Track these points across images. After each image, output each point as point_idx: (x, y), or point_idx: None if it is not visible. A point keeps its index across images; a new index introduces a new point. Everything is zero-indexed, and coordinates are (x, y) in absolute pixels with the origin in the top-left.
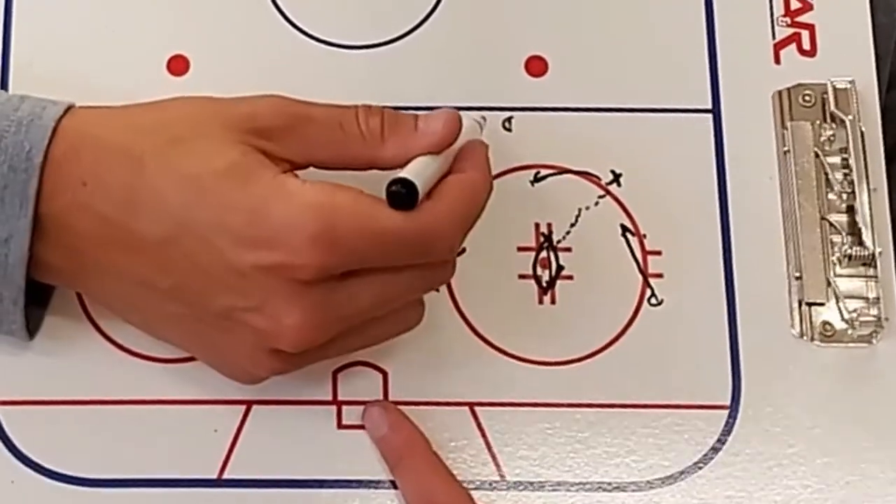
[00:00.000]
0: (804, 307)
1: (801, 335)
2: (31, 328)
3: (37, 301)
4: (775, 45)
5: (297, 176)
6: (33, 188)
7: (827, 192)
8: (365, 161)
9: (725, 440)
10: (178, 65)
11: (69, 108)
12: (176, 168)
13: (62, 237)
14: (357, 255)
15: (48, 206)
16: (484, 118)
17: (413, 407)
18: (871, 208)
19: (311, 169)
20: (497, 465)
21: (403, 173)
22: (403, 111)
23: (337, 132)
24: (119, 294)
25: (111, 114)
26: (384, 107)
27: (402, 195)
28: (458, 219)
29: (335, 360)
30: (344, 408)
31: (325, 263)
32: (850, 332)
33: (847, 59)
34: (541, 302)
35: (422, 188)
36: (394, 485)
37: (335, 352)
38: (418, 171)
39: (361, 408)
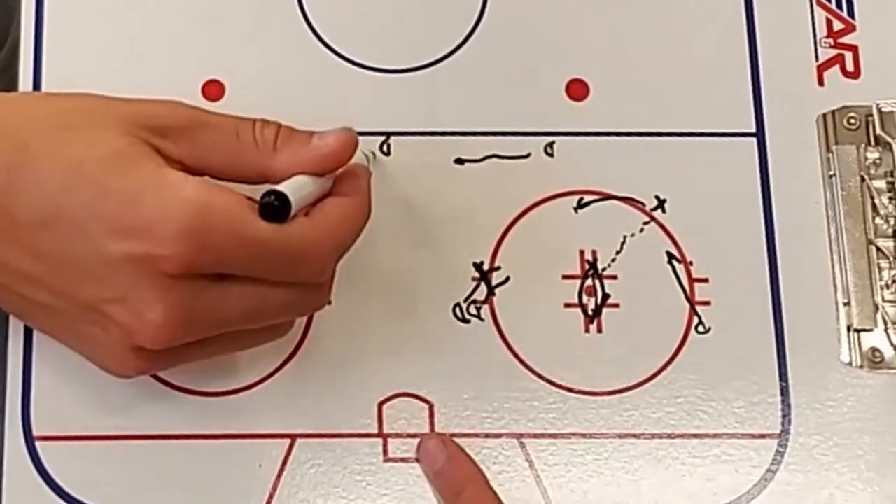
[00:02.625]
0: (852, 333)
1: (850, 362)
2: None
3: None
4: (818, 67)
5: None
6: None
7: (874, 217)
8: (257, 170)
9: (776, 469)
10: (213, 90)
11: None
12: (60, 152)
13: None
14: (224, 258)
15: None
16: (374, 153)
17: (460, 439)
18: None
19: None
20: (547, 497)
21: (279, 186)
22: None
23: (231, 138)
24: None
25: (4, 99)
26: (423, 132)
27: (274, 207)
28: (332, 240)
29: (381, 392)
30: (390, 440)
31: (192, 259)
32: None
33: (891, 79)
34: (587, 331)
35: (296, 203)
36: None
37: (198, 356)
38: (295, 187)
39: (407, 440)
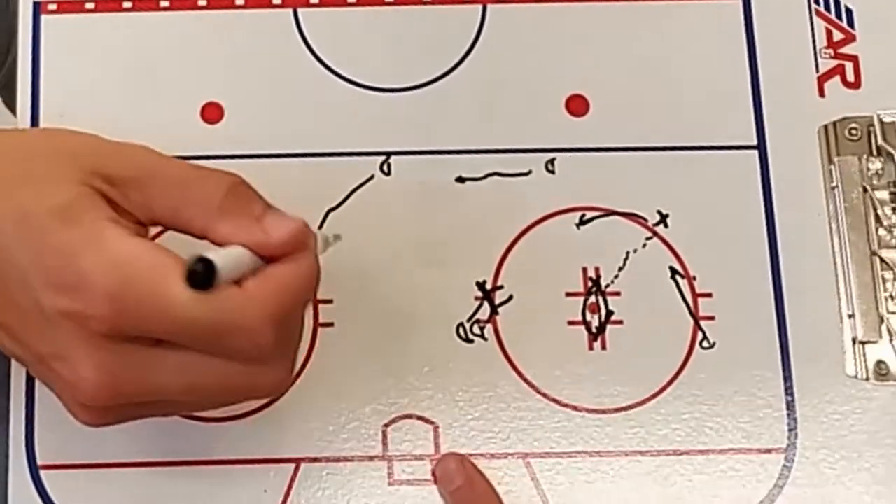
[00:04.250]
0: (858, 346)
1: (856, 375)
2: None
3: None
4: (819, 78)
5: (126, 226)
6: None
7: (877, 228)
8: (198, 229)
9: (784, 484)
10: (212, 112)
11: None
12: (10, 201)
13: None
14: (146, 326)
15: None
16: (337, 236)
17: None
18: None
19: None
20: None
21: (211, 253)
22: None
23: (177, 192)
24: None
25: None
26: (424, 151)
27: (199, 274)
28: (265, 312)
29: (385, 415)
30: (395, 463)
31: (116, 323)
32: None
33: (893, 89)
34: (591, 348)
35: (226, 272)
36: None
37: (150, 413)
38: (232, 255)
39: (413, 463)
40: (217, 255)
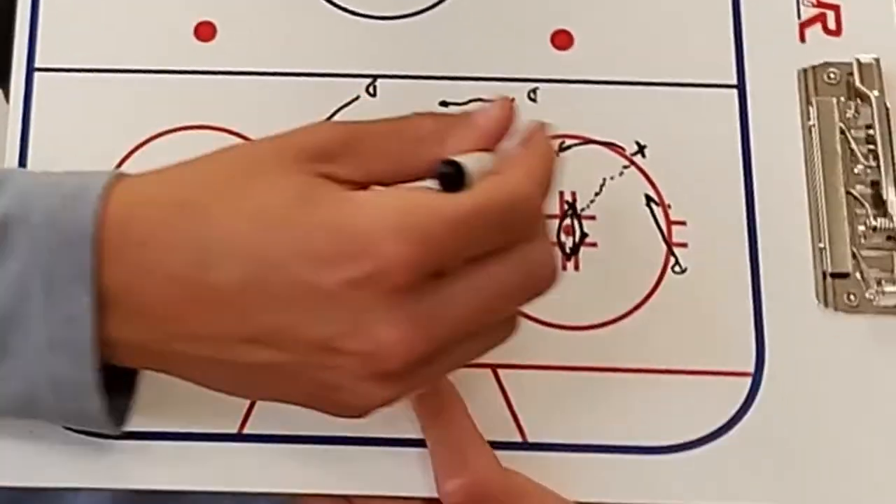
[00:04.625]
0: (829, 278)
1: (826, 305)
2: (118, 419)
3: (121, 390)
4: (801, 25)
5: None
6: (89, 261)
7: (852, 167)
8: (428, 165)
9: (749, 407)
10: (205, 31)
11: (118, 175)
12: (241, 208)
13: (132, 309)
14: (444, 245)
15: (112, 278)
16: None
17: None
18: None
19: None
20: (519, 426)
21: (455, 157)
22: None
23: (393, 141)
24: (204, 360)
25: (161, 173)
26: (410, 76)
27: (451, 175)
28: (531, 177)
29: None
30: None
31: (416, 261)
32: (874, 302)
33: (872, 38)
34: (564, 268)
35: (473, 168)
36: (415, 444)
37: (441, 371)
38: (469, 155)
39: None
40: (461, 157)
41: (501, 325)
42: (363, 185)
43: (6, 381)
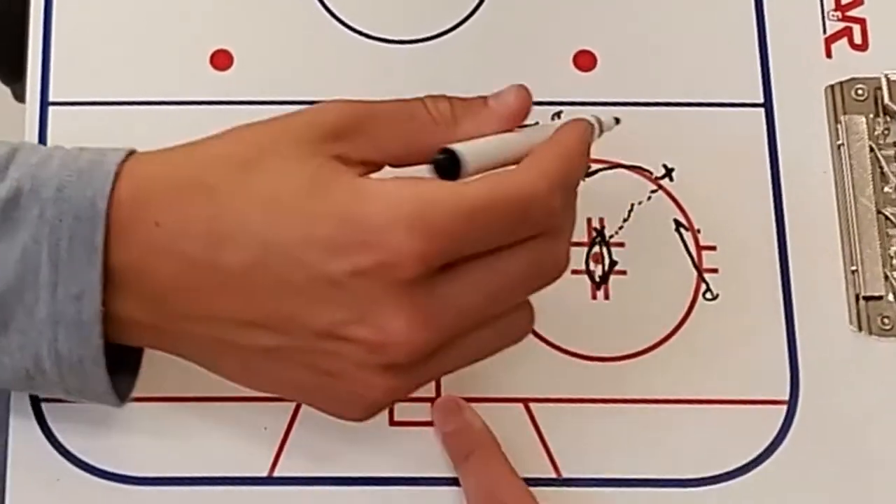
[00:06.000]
0: (861, 301)
1: (859, 329)
2: (122, 393)
3: (126, 366)
4: (826, 40)
5: (370, 178)
6: (100, 236)
7: (882, 186)
8: (440, 148)
9: (785, 436)
10: (221, 59)
11: (131, 152)
12: (254, 192)
13: (140, 287)
14: (455, 238)
15: (121, 256)
16: (617, 119)
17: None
18: None
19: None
20: (553, 461)
21: (451, 145)
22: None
23: (407, 122)
24: (208, 341)
25: (174, 152)
26: None
27: (443, 164)
28: (549, 176)
29: None
30: (395, 404)
31: (426, 253)
32: None
33: None
34: (594, 297)
35: (474, 157)
36: (448, 482)
37: (450, 364)
38: (471, 142)
39: (413, 404)
40: (458, 145)
41: (515, 317)
42: (376, 164)
43: (11, 353)
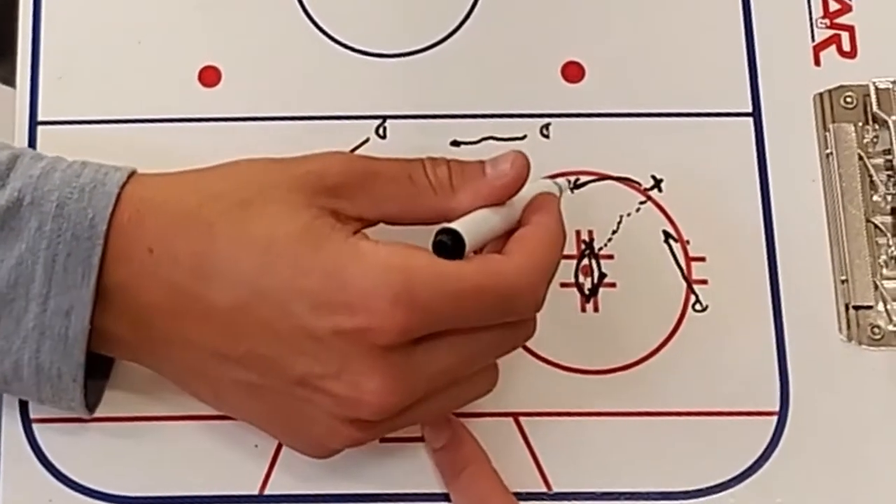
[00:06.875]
0: (851, 311)
1: (849, 339)
2: (92, 401)
3: (97, 373)
4: (815, 48)
5: (367, 237)
6: (97, 257)
7: (871, 195)
8: (436, 213)
9: (776, 446)
10: (209, 76)
11: (132, 173)
12: (247, 233)
13: (127, 307)
14: (438, 317)
15: (113, 276)
16: (569, 182)
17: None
18: None
19: (381, 226)
20: (544, 476)
21: (451, 224)
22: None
23: (406, 185)
24: (187, 365)
25: (175, 179)
26: (420, 115)
27: (447, 245)
28: (539, 269)
29: None
30: None
31: (407, 326)
32: None
33: (888, 60)
34: (583, 310)
35: (472, 237)
36: (439, 499)
37: (413, 420)
38: (469, 221)
39: None
40: (458, 223)
41: (481, 377)
42: (371, 222)
43: None
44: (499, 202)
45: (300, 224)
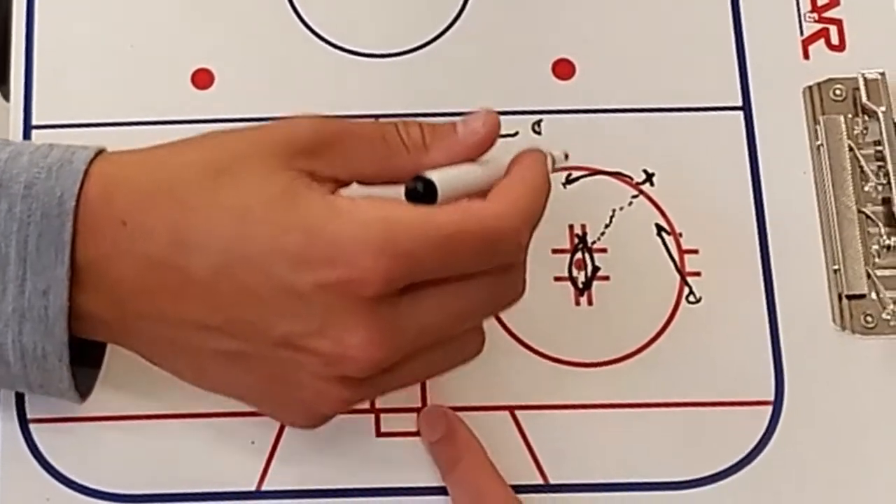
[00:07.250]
0: (844, 300)
1: (843, 328)
2: (84, 389)
3: (89, 361)
4: (803, 42)
5: (343, 196)
6: (68, 234)
7: (862, 185)
8: (410, 172)
9: (771, 436)
10: (202, 78)
11: (100, 151)
12: (224, 200)
13: (103, 285)
14: (421, 263)
15: (86, 253)
16: (566, 154)
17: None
18: None
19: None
20: (540, 468)
21: (425, 173)
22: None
23: (380, 145)
24: (166, 340)
25: (144, 154)
26: (413, 114)
27: (419, 192)
28: (521, 214)
29: None
30: (382, 416)
31: (390, 275)
32: (892, 322)
33: (876, 52)
34: (577, 303)
35: (445, 185)
36: (436, 492)
37: (401, 380)
38: (443, 170)
39: (399, 415)
40: (430, 171)
41: (467, 339)
42: (345, 182)
43: None
44: (470, 158)
45: (278, 187)
